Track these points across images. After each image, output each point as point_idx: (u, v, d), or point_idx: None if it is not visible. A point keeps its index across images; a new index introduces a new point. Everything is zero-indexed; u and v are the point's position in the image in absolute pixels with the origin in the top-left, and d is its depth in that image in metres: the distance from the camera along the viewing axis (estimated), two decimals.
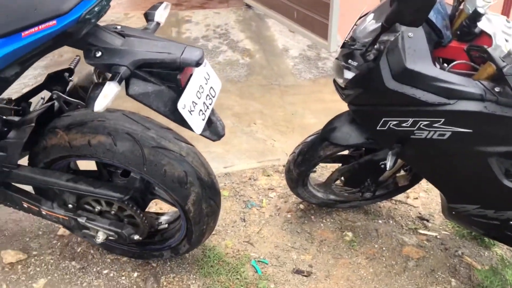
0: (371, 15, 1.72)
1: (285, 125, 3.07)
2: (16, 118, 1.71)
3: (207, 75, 1.48)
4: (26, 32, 1.22)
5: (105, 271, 1.98)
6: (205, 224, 1.76)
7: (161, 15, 1.53)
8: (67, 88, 1.78)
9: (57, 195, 1.74)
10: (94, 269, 1.98)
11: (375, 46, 1.55)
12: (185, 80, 1.38)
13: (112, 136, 1.55)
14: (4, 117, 1.70)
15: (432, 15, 1.58)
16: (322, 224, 2.31)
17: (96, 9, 1.26)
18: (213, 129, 1.53)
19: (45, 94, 1.79)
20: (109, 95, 1.24)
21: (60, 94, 1.72)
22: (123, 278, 1.96)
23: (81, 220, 1.71)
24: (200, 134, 1.47)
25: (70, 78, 1.79)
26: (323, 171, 2.61)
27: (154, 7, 1.55)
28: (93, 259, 2.03)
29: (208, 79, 1.48)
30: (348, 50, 1.68)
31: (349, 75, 1.69)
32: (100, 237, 1.72)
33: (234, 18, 4.41)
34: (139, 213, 1.71)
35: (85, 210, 1.75)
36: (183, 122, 1.38)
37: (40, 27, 1.22)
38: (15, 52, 1.24)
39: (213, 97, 1.50)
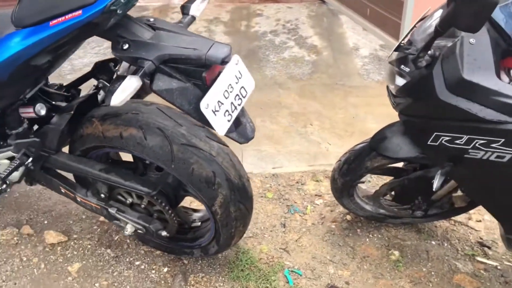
0: (435, 16, 1.53)
1: (344, 129, 2.91)
2: (64, 104, 1.75)
3: (239, 73, 1.40)
4: (54, 21, 1.22)
5: (137, 263, 1.98)
6: (233, 227, 1.69)
7: (197, 9, 1.48)
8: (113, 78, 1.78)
9: (92, 183, 1.76)
10: (127, 259, 1.99)
11: (429, 52, 1.38)
12: (212, 78, 1.31)
13: (143, 130, 1.53)
14: (54, 102, 1.75)
15: (501, 19, 1.38)
16: (367, 239, 2.15)
17: (122, 0, 1.22)
18: (241, 131, 1.44)
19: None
20: (127, 90, 1.20)
21: (105, 83, 1.73)
22: (153, 272, 1.94)
23: (112, 210, 1.71)
24: (226, 136, 1.39)
25: (116, 68, 1.79)
26: (378, 181, 2.44)
27: (191, 0, 1.50)
28: (127, 249, 2.04)
29: (239, 78, 1.40)
30: (402, 54, 1.52)
31: (400, 81, 1.53)
32: (128, 229, 1.72)
33: (306, 13, 4.28)
34: (167, 209, 1.68)
35: (117, 201, 1.76)
36: (206, 122, 1.31)
37: (66, 17, 1.21)
38: (43, 40, 1.24)
39: (244, 97, 1.42)
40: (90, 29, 1.27)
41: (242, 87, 1.41)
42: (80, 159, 1.69)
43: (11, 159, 1.70)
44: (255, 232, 2.16)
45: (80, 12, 1.20)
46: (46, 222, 2.18)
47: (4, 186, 1.75)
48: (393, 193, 1.99)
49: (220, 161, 1.58)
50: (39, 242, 2.06)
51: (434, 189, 1.55)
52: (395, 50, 1.56)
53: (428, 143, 1.50)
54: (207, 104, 1.28)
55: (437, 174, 1.53)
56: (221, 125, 1.32)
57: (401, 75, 1.51)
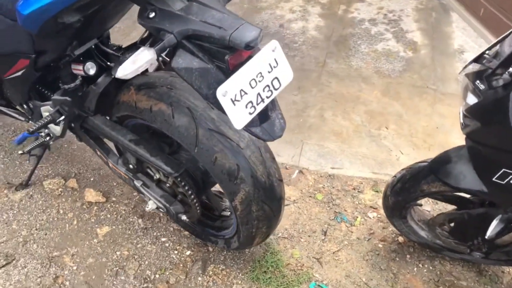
0: None
1: (423, 139, 2.59)
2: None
3: (275, 62, 1.23)
4: None
5: (163, 239, 1.93)
6: (254, 227, 1.56)
7: None
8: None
9: (122, 152, 1.72)
10: (154, 233, 1.95)
11: (510, 70, 1.10)
12: (237, 63, 1.15)
13: (172, 107, 1.43)
14: (108, 63, 1.72)
15: None
16: (415, 268, 1.89)
17: None
18: (267, 127, 1.28)
19: None
20: (138, 62, 1.10)
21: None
22: (175, 252, 1.88)
23: (137, 183, 1.66)
24: (246, 130, 1.24)
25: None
26: (441, 206, 2.13)
27: None
28: (158, 223, 2.00)
29: (274, 67, 1.23)
30: (482, 67, 1.24)
31: (472, 99, 1.25)
32: (150, 205, 1.65)
33: (413, 5, 3.88)
34: (190, 194, 1.58)
35: (145, 174, 1.70)
36: (224, 111, 1.17)
37: None
38: None
39: (276, 89, 1.25)
40: None
41: (276, 78, 1.24)
42: (114, 125, 1.64)
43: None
44: (291, 234, 2.00)
45: None
46: (92, 179, 2.21)
47: (48, 138, 1.78)
48: (452, 224, 1.71)
49: (247, 154, 1.43)
50: (79, 198, 2.09)
51: (487, 236, 1.27)
52: (474, 61, 1.28)
53: (494, 179, 1.23)
54: (225, 91, 1.13)
55: (496, 218, 1.25)
56: (239, 117, 1.17)
57: (474, 92, 1.24)
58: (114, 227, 1.97)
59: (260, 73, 1.20)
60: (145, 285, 1.75)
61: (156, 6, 1.19)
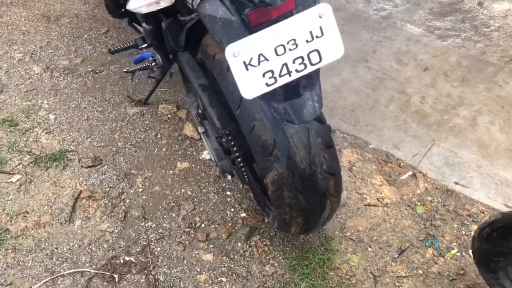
0: None
1: None
2: None
3: (319, 31, 0.98)
4: None
5: (228, 193, 1.87)
6: (287, 214, 1.38)
7: None
8: None
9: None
10: (223, 185, 1.90)
11: None
12: (262, 21, 0.96)
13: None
14: None
15: None
16: None
17: None
18: (294, 106, 1.06)
19: None
20: None
21: None
22: (232, 210, 1.81)
23: (200, 129, 1.62)
24: (264, 103, 1.04)
25: None
26: None
27: None
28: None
29: (316, 37, 0.99)
30: None
31: None
32: (203, 155, 1.61)
33: None
34: (236, 155, 1.48)
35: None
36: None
37: None
38: None
39: (312, 65, 1.01)
40: None
41: (316, 50, 1.00)
42: (194, 66, 1.60)
43: None
44: (361, 238, 1.74)
45: None
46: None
47: (153, 64, 1.85)
48: None
49: (290, 132, 1.24)
50: (179, 129, 2.16)
51: None
52: None
53: None
54: (237, 51, 0.96)
55: None
56: (250, 85, 0.99)
57: None
58: (193, 165, 1.99)
59: (294, 40, 0.99)
60: (188, 229, 1.75)
61: None
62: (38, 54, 2.59)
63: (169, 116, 2.23)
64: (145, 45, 1.67)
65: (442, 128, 2.18)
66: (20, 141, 2.06)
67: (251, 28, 0.99)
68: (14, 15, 2.91)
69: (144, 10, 1.08)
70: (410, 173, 2.00)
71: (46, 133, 2.11)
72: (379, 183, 1.94)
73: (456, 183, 1.97)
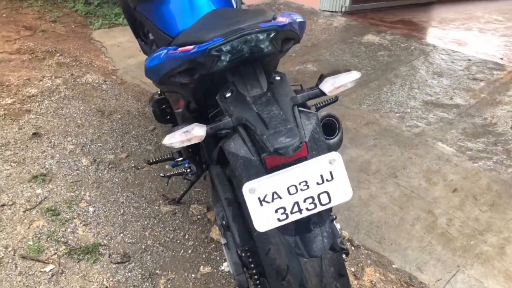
0: None
1: None
2: None
3: (329, 175, 1.08)
4: (181, 48, 1.26)
5: None
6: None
7: (331, 86, 1.18)
8: None
9: None
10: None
11: None
12: (277, 164, 1.07)
13: None
14: None
15: None
16: None
17: (225, 48, 1.13)
18: (304, 241, 1.13)
19: None
20: (185, 135, 1.13)
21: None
22: None
23: (223, 241, 1.69)
24: (278, 234, 1.12)
25: None
26: None
27: (334, 72, 1.21)
28: None
29: (327, 181, 1.08)
30: None
31: None
32: (223, 266, 1.67)
33: None
34: (253, 272, 1.53)
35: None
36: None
37: (187, 48, 1.23)
38: (171, 62, 1.31)
39: (322, 205, 1.09)
40: (199, 66, 1.25)
41: (326, 192, 1.09)
42: (223, 179, 1.70)
43: None
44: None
45: (192, 47, 1.19)
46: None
47: (188, 170, 1.99)
48: None
49: (303, 260, 1.29)
50: (207, 231, 2.25)
51: None
52: None
53: None
54: (253, 188, 1.07)
55: None
56: (263, 219, 1.08)
57: None
58: (215, 271, 2.04)
59: (306, 181, 1.09)
60: None
61: (236, 88, 1.21)
62: (88, 146, 2.82)
63: (199, 216, 2.33)
64: (181, 158, 1.82)
65: (468, 254, 2.15)
66: (59, 231, 2.21)
67: (267, 169, 1.10)
68: (73, 108, 3.21)
69: (177, 146, 1.22)
70: None
71: (84, 225, 2.25)
72: None
73: None
